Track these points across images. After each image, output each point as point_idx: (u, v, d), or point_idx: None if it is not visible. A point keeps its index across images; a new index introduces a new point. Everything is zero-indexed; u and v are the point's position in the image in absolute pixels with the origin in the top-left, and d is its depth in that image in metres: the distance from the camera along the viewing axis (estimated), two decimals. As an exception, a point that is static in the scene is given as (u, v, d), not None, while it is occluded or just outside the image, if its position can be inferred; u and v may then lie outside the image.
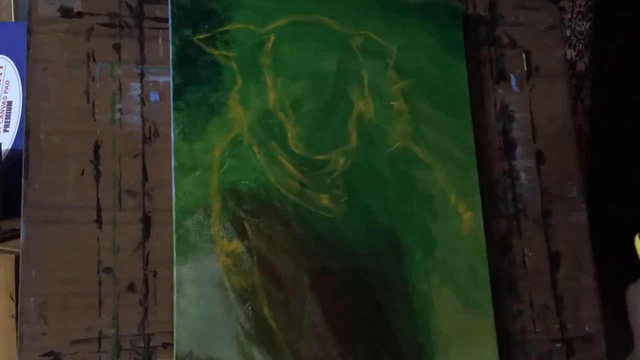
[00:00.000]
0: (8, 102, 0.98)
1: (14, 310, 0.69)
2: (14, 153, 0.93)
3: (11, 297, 0.70)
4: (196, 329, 0.63)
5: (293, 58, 0.73)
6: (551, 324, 0.78)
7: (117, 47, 0.70)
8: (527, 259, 0.79)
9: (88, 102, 0.68)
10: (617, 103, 1.35)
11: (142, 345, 0.65)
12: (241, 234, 0.67)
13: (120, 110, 0.69)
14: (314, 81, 0.73)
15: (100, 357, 0.64)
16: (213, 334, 0.63)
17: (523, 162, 0.82)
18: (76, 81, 0.68)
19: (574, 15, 1.33)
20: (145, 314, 0.66)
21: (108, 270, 0.65)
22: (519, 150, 0.82)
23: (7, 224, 0.80)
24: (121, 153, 0.68)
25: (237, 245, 0.66)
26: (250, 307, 0.65)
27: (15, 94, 0.99)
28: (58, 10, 0.68)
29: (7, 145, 0.95)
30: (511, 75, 0.84)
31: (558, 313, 0.79)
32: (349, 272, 0.69)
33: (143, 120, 0.69)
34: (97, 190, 0.67)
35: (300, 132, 0.71)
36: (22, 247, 0.64)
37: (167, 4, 0.70)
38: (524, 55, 0.85)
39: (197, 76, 0.69)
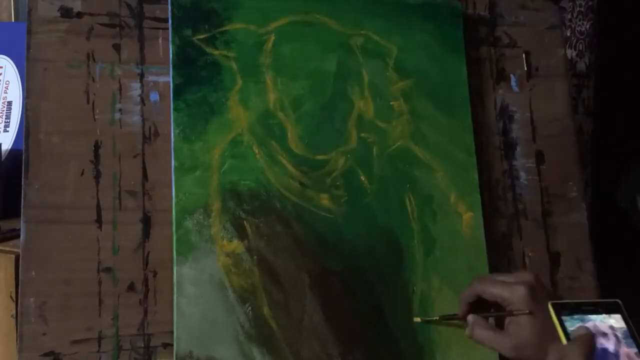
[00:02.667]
0: (8, 102, 0.98)
1: (14, 310, 0.70)
2: (14, 153, 0.93)
3: (11, 297, 0.70)
4: (196, 329, 0.63)
5: (293, 58, 0.73)
6: (551, 324, 0.78)
7: (117, 47, 0.70)
8: (527, 259, 0.79)
9: (88, 102, 0.68)
10: (618, 103, 1.35)
11: (142, 345, 0.65)
12: (241, 234, 0.67)
13: (120, 110, 0.69)
14: (314, 81, 0.73)
15: (100, 357, 0.64)
16: (213, 334, 0.63)
17: (523, 162, 0.82)
18: (76, 81, 0.68)
19: (575, 15, 1.33)
20: (145, 314, 0.65)
21: (108, 270, 0.65)
22: (519, 150, 0.82)
23: (7, 224, 0.80)
24: (121, 153, 0.68)
25: (237, 245, 0.66)
26: (250, 307, 0.65)
27: (15, 94, 0.99)
28: (58, 10, 0.68)
29: (7, 145, 0.95)
30: (511, 75, 0.84)
31: (558, 313, 0.79)
32: (349, 272, 0.69)
33: (143, 120, 0.69)
34: (97, 190, 0.67)
35: (300, 132, 0.71)
36: (22, 247, 0.64)
37: (167, 4, 0.70)
38: (524, 55, 0.85)
39: (197, 76, 0.69)
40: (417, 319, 0.69)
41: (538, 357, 0.60)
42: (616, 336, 0.54)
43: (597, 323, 0.55)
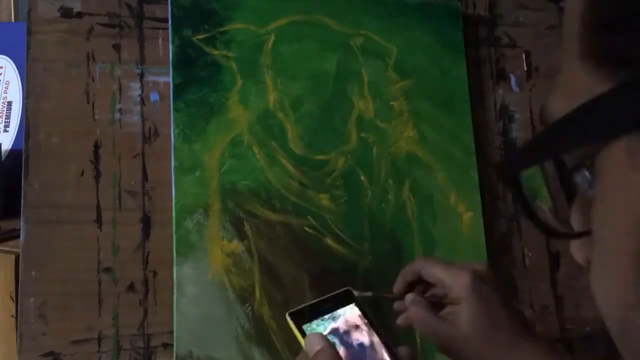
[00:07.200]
0: (8, 102, 0.98)
1: (14, 310, 0.69)
2: (14, 153, 0.93)
3: (11, 297, 0.70)
4: (196, 329, 0.63)
5: (293, 58, 0.73)
6: (551, 324, 0.78)
7: (117, 47, 0.70)
8: (527, 259, 0.79)
9: (88, 102, 0.68)
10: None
11: (142, 345, 0.65)
12: (241, 234, 0.67)
13: (120, 110, 0.69)
14: (314, 81, 0.73)
15: (100, 357, 0.64)
16: (213, 334, 0.63)
17: (523, 162, 0.82)
18: (76, 81, 0.68)
19: (574, 15, 1.33)
20: (145, 314, 0.65)
21: (108, 270, 0.65)
22: (519, 150, 0.82)
23: (7, 224, 0.80)
24: (121, 153, 0.68)
25: (237, 245, 0.66)
26: (250, 307, 0.65)
27: (15, 94, 0.98)
28: (58, 11, 0.68)
29: (7, 145, 0.95)
30: (511, 75, 0.84)
31: (558, 313, 0.79)
32: (349, 272, 0.69)
33: (143, 120, 0.69)
34: (97, 190, 0.67)
35: (300, 132, 0.71)
36: (22, 247, 0.64)
37: (167, 4, 0.70)
38: (523, 55, 0.85)
39: (197, 76, 0.69)
40: (355, 293, 0.53)
41: (475, 355, 0.52)
42: (367, 325, 0.49)
43: (348, 317, 0.49)
